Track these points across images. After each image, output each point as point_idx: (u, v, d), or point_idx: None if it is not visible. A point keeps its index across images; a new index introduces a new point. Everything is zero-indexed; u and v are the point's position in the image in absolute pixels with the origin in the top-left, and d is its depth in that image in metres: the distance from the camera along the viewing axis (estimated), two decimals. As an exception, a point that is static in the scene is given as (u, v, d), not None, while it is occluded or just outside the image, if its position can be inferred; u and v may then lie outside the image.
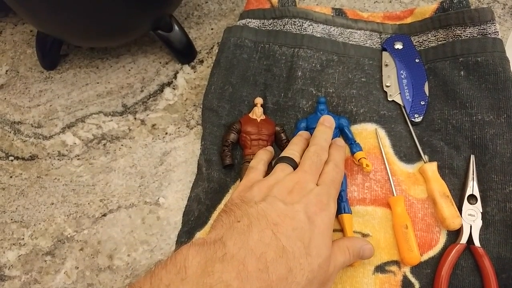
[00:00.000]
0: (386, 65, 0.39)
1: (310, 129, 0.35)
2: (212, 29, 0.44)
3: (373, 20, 0.40)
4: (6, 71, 0.44)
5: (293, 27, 0.39)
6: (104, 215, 0.36)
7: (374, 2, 0.44)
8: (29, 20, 0.39)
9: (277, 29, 0.39)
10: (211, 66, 0.42)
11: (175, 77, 0.43)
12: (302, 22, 0.39)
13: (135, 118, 0.41)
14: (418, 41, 0.39)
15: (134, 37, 0.41)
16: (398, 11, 0.41)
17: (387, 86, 0.38)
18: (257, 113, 0.37)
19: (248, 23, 0.40)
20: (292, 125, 0.37)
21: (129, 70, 0.43)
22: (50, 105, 0.43)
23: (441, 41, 0.38)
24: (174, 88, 0.42)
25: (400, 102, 0.37)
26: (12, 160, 0.40)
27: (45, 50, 0.43)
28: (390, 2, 0.43)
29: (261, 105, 0.37)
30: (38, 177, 0.38)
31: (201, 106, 0.39)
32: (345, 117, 0.37)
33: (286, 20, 0.39)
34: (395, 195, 0.33)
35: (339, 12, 0.41)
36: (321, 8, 0.41)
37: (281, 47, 0.39)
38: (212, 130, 0.37)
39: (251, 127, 0.36)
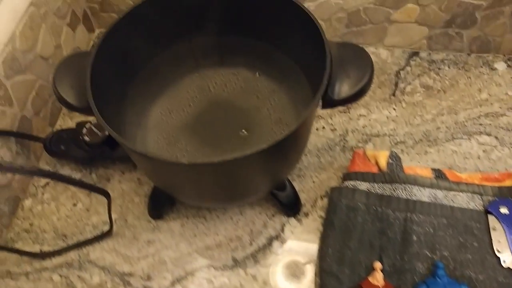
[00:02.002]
0: (494, 229, 0.40)
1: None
2: (313, 182, 0.47)
3: (472, 182, 0.43)
4: (115, 219, 0.46)
5: (404, 192, 0.41)
6: None
7: (464, 158, 0.47)
8: (154, 181, 0.42)
9: (388, 193, 0.42)
10: (316, 220, 0.44)
11: (282, 230, 0.44)
12: (411, 188, 0.41)
13: (246, 273, 0.42)
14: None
15: (252, 200, 0.43)
16: (495, 173, 0.44)
17: (499, 252, 0.39)
18: (379, 279, 0.38)
19: (358, 186, 0.43)
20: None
21: (237, 222, 0.45)
22: (159, 257, 0.44)
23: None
24: (282, 242, 0.44)
25: (516, 268, 0.38)
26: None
27: (157, 204, 0.45)
28: (479, 158, 0.47)
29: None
30: None
31: (318, 269, 0.40)
32: (465, 283, 0.37)
33: (396, 185, 0.42)
34: None
35: (439, 173, 0.44)
36: (421, 169, 0.44)
37: (394, 212, 0.41)
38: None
39: (376, 295, 0.37)
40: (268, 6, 0.38)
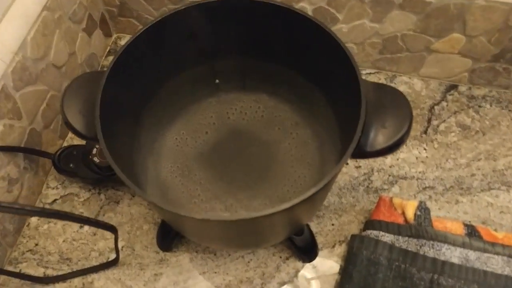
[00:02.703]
0: (529, 300, 0.37)
1: None
2: (333, 224, 0.44)
3: (509, 243, 0.40)
4: (122, 247, 0.44)
5: (431, 250, 0.38)
6: None
7: (500, 213, 0.43)
8: (163, 218, 0.39)
9: (413, 249, 0.39)
10: (333, 268, 0.42)
11: (295, 275, 0.42)
12: (441, 246, 0.38)
13: (254, 321, 0.40)
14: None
15: (268, 246, 0.41)
16: (534, 236, 0.40)
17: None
18: None
19: (381, 237, 0.40)
20: None
21: (249, 262, 0.43)
22: (165, 292, 0.42)
23: None
24: (295, 289, 0.41)
25: None
26: None
27: (167, 235, 0.43)
28: (515, 213, 0.43)
29: (399, 335, 0.36)
30: None
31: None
32: None
33: (423, 241, 0.38)
34: None
35: (471, 230, 0.40)
36: (452, 223, 0.40)
37: (419, 271, 0.38)
38: None
39: None
40: (299, 32, 0.35)
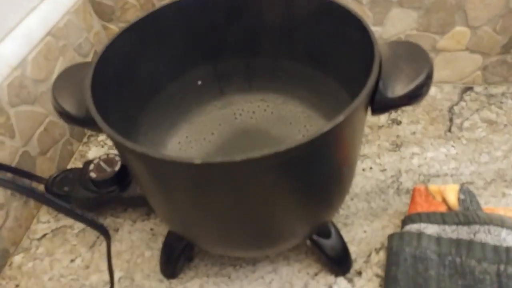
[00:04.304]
0: None
1: None
2: (365, 231, 0.38)
3: None
4: (120, 278, 0.37)
5: (488, 237, 0.32)
6: None
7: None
8: (168, 219, 0.34)
9: (466, 238, 0.32)
10: (372, 280, 0.34)
11: (328, 292, 0.34)
12: (499, 231, 0.32)
13: None
14: None
15: (287, 247, 0.34)
16: None
17: None
18: None
19: (424, 229, 0.33)
20: None
21: (270, 282, 0.35)
22: (170, 327, 0.34)
23: None
24: (330, 309, 0.33)
25: None
26: None
27: (172, 256, 0.36)
28: None
29: None
30: None
31: None
32: None
33: (477, 227, 0.32)
34: None
35: (529, 215, 0.34)
36: (505, 209, 0.34)
37: (480, 263, 0.31)
38: None
39: None
40: (299, 12, 0.34)
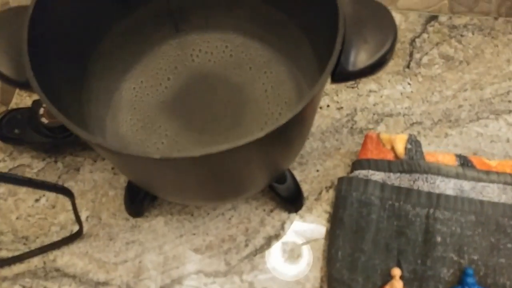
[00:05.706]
0: (530, 226, 0.35)
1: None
2: (317, 170, 0.40)
3: (503, 170, 0.37)
4: (87, 217, 0.39)
5: (425, 184, 0.35)
6: None
7: (490, 142, 0.41)
8: (126, 176, 0.35)
9: (406, 185, 0.36)
10: (321, 216, 0.38)
11: (282, 228, 0.38)
12: (435, 179, 0.35)
13: (241, 280, 0.36)
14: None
15: (246, 197, 0.37)
16: (529, 160, 0.38)
17: (535, 252, 0.34)
18: (398, 287, 0.33)
19: (371, 176, 0.36)
20: (432, 297, 0.33)
21: (230, 219, 0.39)
22: (139, 262, 0.37)
23: None
24: (283, 243, 0.38)
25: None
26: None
27: (135, 198, 0.38)
28: (508, 141, 0.41)
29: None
30: None
31: (327, 276, 0.34)
32: (498, 292, 0.32)
33: (417, 176, 0.35)
34: None
35: (464, 160, 0.37)
36: (444, 155, 0.38)
37: (414, 207, 0.35)
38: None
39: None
40: None
